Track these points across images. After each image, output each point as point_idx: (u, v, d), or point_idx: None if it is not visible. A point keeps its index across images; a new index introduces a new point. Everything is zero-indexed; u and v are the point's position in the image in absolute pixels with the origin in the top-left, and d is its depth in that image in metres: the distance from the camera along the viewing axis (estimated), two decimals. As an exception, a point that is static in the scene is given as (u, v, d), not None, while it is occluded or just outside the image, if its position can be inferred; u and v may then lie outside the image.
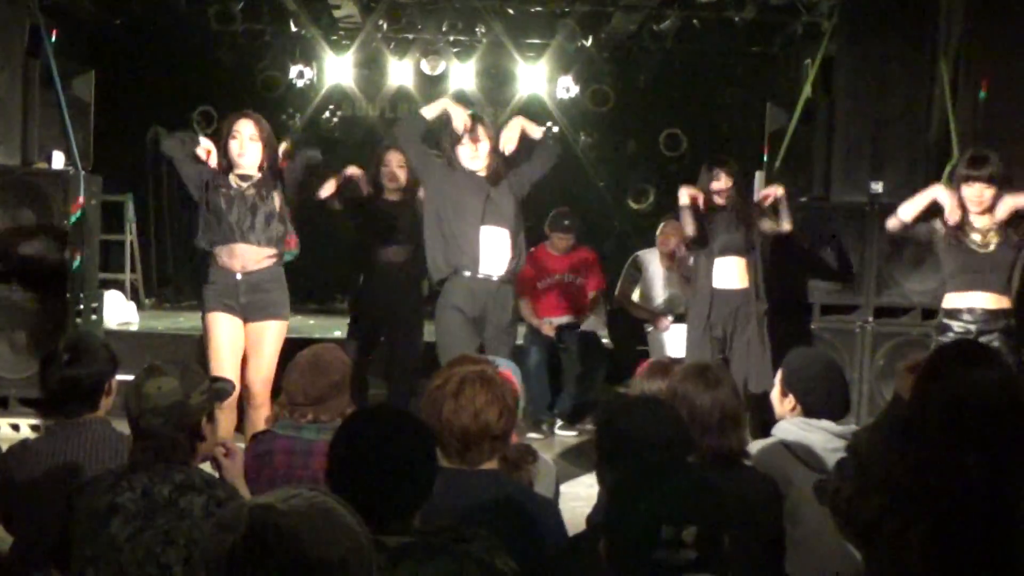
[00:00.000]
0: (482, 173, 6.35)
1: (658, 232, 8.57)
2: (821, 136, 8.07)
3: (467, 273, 6.24)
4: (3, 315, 7.49)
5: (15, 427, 7.48)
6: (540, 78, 11.70)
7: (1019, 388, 2.86)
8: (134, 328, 9.58)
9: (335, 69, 11.64)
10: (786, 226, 6.84)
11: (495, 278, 6.27)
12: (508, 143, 6.38)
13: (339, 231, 11.27)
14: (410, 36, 11.29)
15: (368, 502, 2.36)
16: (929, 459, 2.71)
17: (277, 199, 6.16)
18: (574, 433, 8.14)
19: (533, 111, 11.95)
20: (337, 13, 10.81)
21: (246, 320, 6.11)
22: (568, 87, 11.93)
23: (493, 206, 6.29)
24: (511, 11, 10.65)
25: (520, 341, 8.47)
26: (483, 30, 11.10)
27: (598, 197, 12.19)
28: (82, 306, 7.72)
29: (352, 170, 7.16)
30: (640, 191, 12.36)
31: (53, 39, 7.97)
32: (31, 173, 7.65)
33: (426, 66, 11.52)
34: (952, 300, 6.26)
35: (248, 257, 6.08)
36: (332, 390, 4.16)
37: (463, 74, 11.63)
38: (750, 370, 6.70)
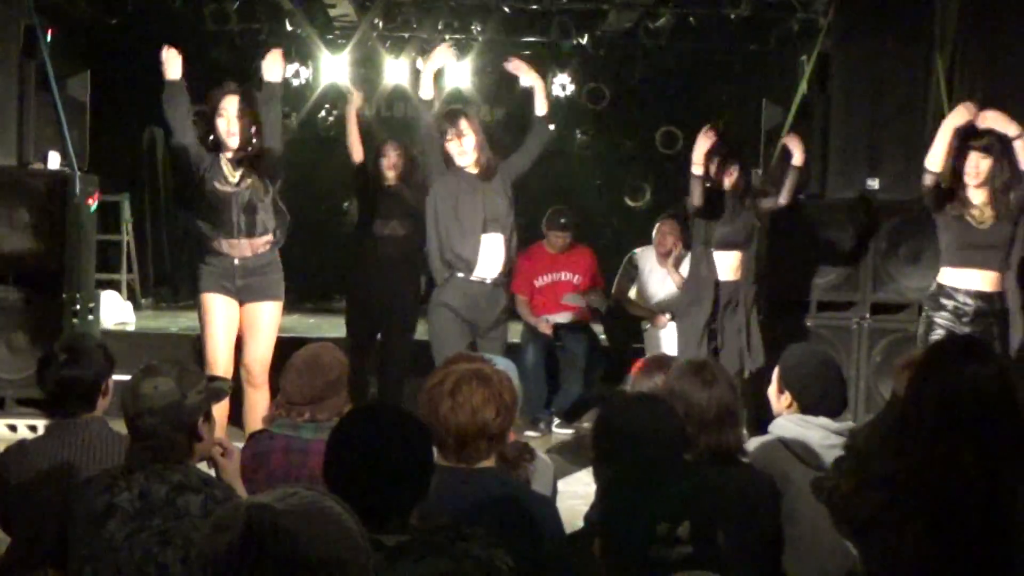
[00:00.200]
0: (473, 170, 6.35)
1: (654, 230, 8.57)
2: (817, 133, 8.07)
3: (461, 275, 6.25)
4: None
5: (12, 428, 7.47)
6: (536, 76, 11.69)
7: (1012, 382, 2.86)
8: (131, 328, 9.58)
9: (331, 68, 11.63)
10: (783, 200, 6.81)
11: (489, 280, 6.29)
12: (518, 71, 6.58)
13: (336, 230, 11.32)
14: (406, 35, 11.28)
15: (365, 501, 2.36)
16: (925, 455, 2.71)
17: (271, 190, 6.20)
18: (572, 431, 8.14)
19: (529, 109, 11.95)
20: (333, 12, 10.80)
21: (242, 302, 6.16)
22: (564, 85, 11.93)
23: (489, 208, 6.29)
24: (507, 9, 10.65)
25: (517, 339, 8.48)
26: (479, 28, 11.09)
27: (594, 195, 12.19)
28: (79, 306, 7.71)
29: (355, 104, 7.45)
30: (636, 189, 12.36)
31: (49, 39, 7.96)
32: (27, 173, 7.64)
33: (422, 64, 11.50)
34: (948, 276, 6.24)
35: (246, 247, 6.14)
36: (329, 389, 4.16)
37: (459, 72, 11.62)
38: (743, 352, 6.72)
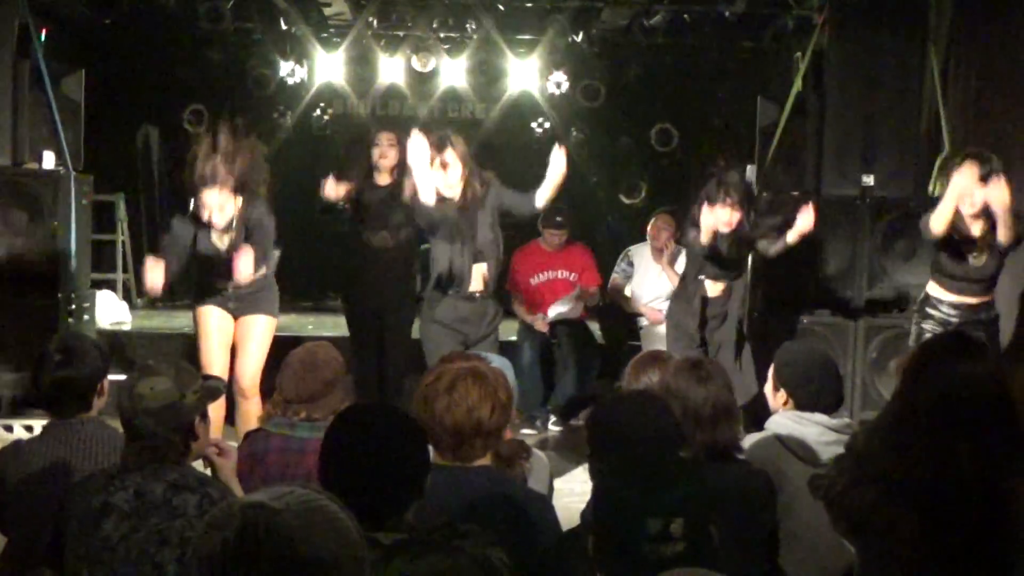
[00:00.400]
0: (459, 202, 6.12)
1: (649, 226, 8.57)
2: (812, 130, 8.07)
3: (451, 292, 6.24)
4: (-5, 316, 7.49)
5: (8, 428, 7.46)
6: (531, 74, 11.69)
7: (1005, 380, 2.86)
8: (126, 328, 9.57)
9: (325, 66, 11.62)
10: (773, 251, 6.72)
11: (478, 295, 6.28)
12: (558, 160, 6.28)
13: (332, 228, 11.31)
14: (400, 33, 11.27)
15: (361, 499, 2.36)
16: (920, 452, 2.71)
17: (253, 232, 6.18)
18: (568, 428, 8.14)
19: (524, 107, 11.97)
20: (327, 11, 10.79)
21: (236, 316, 6.20)
22: (559, 83, 11.92)
23: (476, 237, 6.20)
24: (501, 7, 10.64)
25: (513, 337, 8.48)
26: (474, 26, 11.08)
27: (590, 193, 12.19)
28: (74, 306, 7.71)
29: (332, 188, 7.15)
30: (632, 186, 12.35)
31: (43, 38, 7.95)
32: (21, 173, 7.63)
33: (417, 63, 11.51)
34: (936, 290, 6.28)
35: (239, 282, 6.16)
36: (326, 388, 4.16)
37: (454, 70, 11.62)
38: (734, 375, 6.71)
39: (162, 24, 10.73)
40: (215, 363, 6.16)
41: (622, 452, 2.71)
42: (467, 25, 11.10)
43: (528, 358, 8.20)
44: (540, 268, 8.62)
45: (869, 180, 7.70)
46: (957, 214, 6.07)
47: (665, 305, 8.31)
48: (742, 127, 9.70)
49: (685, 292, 6.92)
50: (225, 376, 6.17)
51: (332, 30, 11.35)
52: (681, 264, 8.30)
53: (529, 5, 10.71)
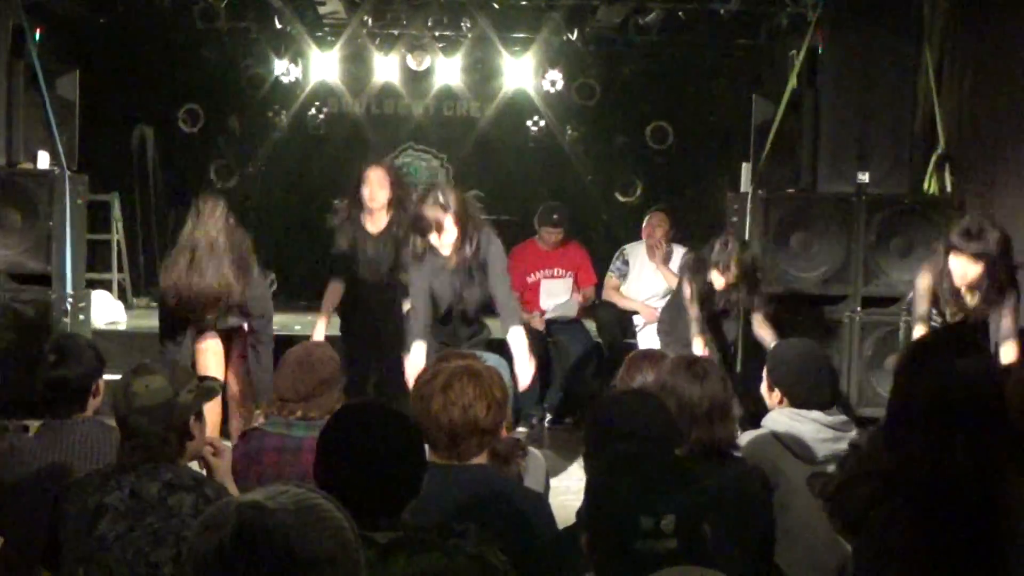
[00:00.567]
0: (450, 261, 6.10)
1: (644, 223, 8.58)
2: (807, 127, 8.07)
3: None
4: (-11, 316, 7.48)
5: (3, 428, 7.45)
6: (526, 72, 11.68)
7: (1000, 376, 2.87)
8: (122, 327, 9.55)
9: (320, 65, 11.61)
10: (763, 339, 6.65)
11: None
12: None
13: (328, 227, 11.30)
14: (395, 32, 11.27)
15: (356, 498, 2.36)
16: (917, 448, 2.71)
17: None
18: (564, 427, 8.14)
19: (519, 105, 11.97)
20: (322, 9, 10.78)
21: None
22: (554, 81, 11.92)
23: (462, 295, 6.23)
24: (496, 5, 10.63)
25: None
26: (468, 25, 11.08)
27: (585, 191, 12.19)
28: (69, 306, 7.70)
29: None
30: (627, 184, 12.36)
31: (37, 38, 7.94)
32: (16, 173, 7.62)
33: (412, 61, 11.51)
34: None
35: None
36: (322, 386, 4.17)
37: (449, 69, 11.62)
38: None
39: (157, 23, 10.72)
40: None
41: (617, 449, 2.71)
42: (462, 23, 11.10)
43: (524, 356, 8.20)
44: (536, 266, 8.63)
45: (864, 177, 7.69)
46: (950, 279, 5.90)
47: (660, 303, 8.34)
48: (737, 125, 9.71)
49: (677, 304, 6.94)
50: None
51: (327, 29, 11.35)
52: (674, 263, 8.32)
53: (524, 3, 10.71)
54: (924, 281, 6.04)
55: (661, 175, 12.08)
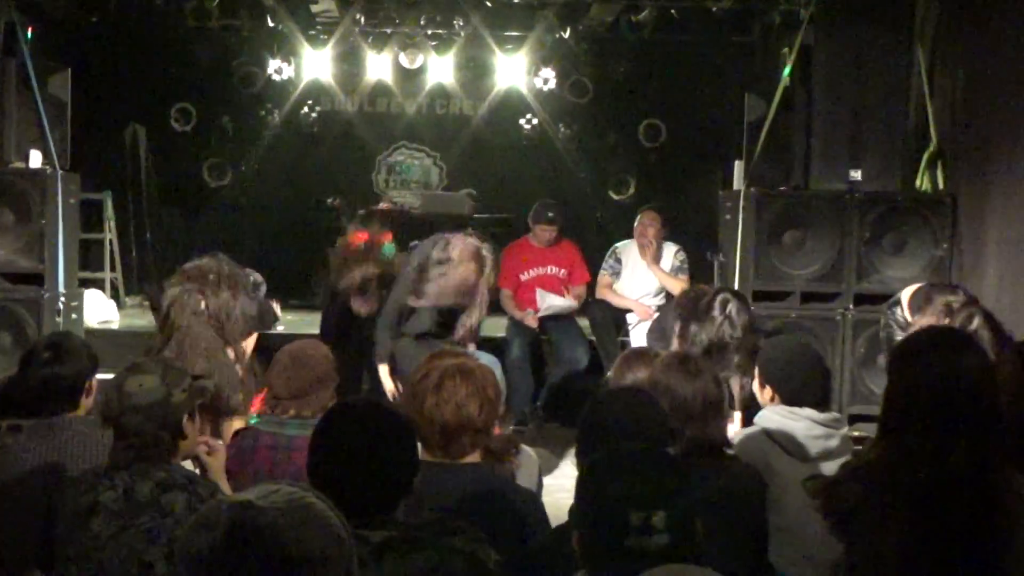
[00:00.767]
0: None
1: (636, 221, 8.58)
2: (800, 125, 8.07)
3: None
4: (-18, 315, 7.46)
5: (-4, 427, 7.44)
6: (519, 70, 11.69)
7: (994, 371, 2.87)
8: (114, 327, 9.54)
9: (313, 64, 11.61)
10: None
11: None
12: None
13: (320, 225, 11.29)
14: (388, 30, 11.27)
15: (349, 496, 2.36)
16: (917, 444, 2.70)
17: None
18: (557, 424, 8.14)
19: (512, 103, 11.97)
20: (314, 8, 10.78)
21: None
22: (547, 79, 11.92)
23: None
24: (489, 3, 10.64)
25: (503, 333, 8.49)
26: (461, 23, 11.08)
27: (578, 189, 12.20)
28: (61, 305, 7.69)
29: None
30: (620, 182, 12.36)
31: (29, 37, 7.92)
32: (8, 172, 7.60)
33: (404, 59, 11.50)
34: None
35: None
36: (315, 384, 4.16)
37: (441, 67, 11.62)
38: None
39: (149, 22, 10.71)
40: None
41: (608, 447, 2.71)
42: (455, 22, 11.10)
43: (517, 354, 8.20)
44: (530, 264, 8.63)
45: (857, 175, 7.70)
46: None
47: (654, 301, 8.34)
48: (730, 122, 9.71)
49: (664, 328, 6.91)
50: None
51: (319, 27, 11.35)
52: (665, 261, 8.32)
53: (516, 1, 10.72)
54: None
55: (654, 173, 12.08)
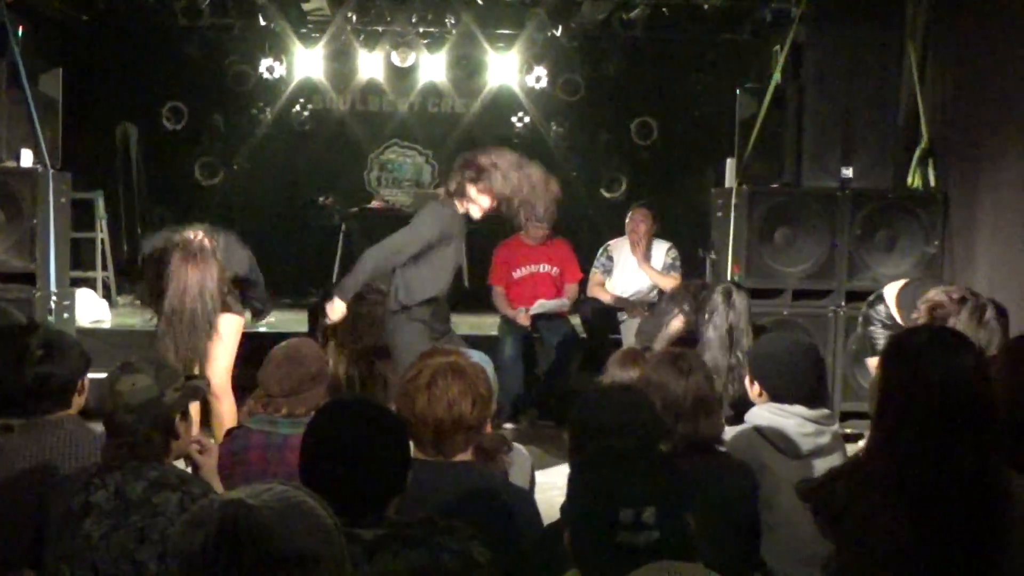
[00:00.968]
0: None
1: (627, 219, 8.59)
2: (791, 122, 8.09)
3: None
4: (-27, 315, 7.44)
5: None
6: (511, 68, 11.69)
7: (989, 371, 2.87)
8: (106, 326, 9.52)
9: (305, 62, 11.60)
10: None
11: None
12: None
13: (312, 223, 11.30)
14: (380, 28, 11.26)
15: (341, 494, 2.36)
16: (916, 444, 2.69)
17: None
18: (550, 422, 8.15)
19: (504, 102, 11.97)
20: (306, 6, 10.77)
21: None
22: (539, 77, 11.92)
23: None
24: (480, 1, 10.63)
25: (495, 331, 8.49)
26: (453, 21, 11.08)
27: (570, 187, 12.18)
28: (53, 304, 7.67)
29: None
30: (612, 180, 12.37)
31: (20, 36, 7.90)
32: (-1, 171, 7.60)
33: (396, 58, 11.50)
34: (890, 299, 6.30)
35: None
36: (308, 382, 4.16)
37: (433, 65, 11.62)
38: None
39: (140, 21, 10.69)
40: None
41: (598, 444, 2.71)
42: (446, 20, 11.10)
43: (510, 352, 8.21)
44: (522, 262, 8.63)
45: (848, 172, 7.72)
46: None
47: (645, 299, 8.35)
48: (721, 120, 9.72)
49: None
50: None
51: (311, 26, 11.34)
52: (656, 260, 8.33)
53: (508, -1, 10.72)
54: None
55: (646, 171, 12.09)
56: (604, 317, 8.48)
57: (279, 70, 11.70)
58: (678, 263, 8.40)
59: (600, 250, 8.73)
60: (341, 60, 11.65)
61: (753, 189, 7.72)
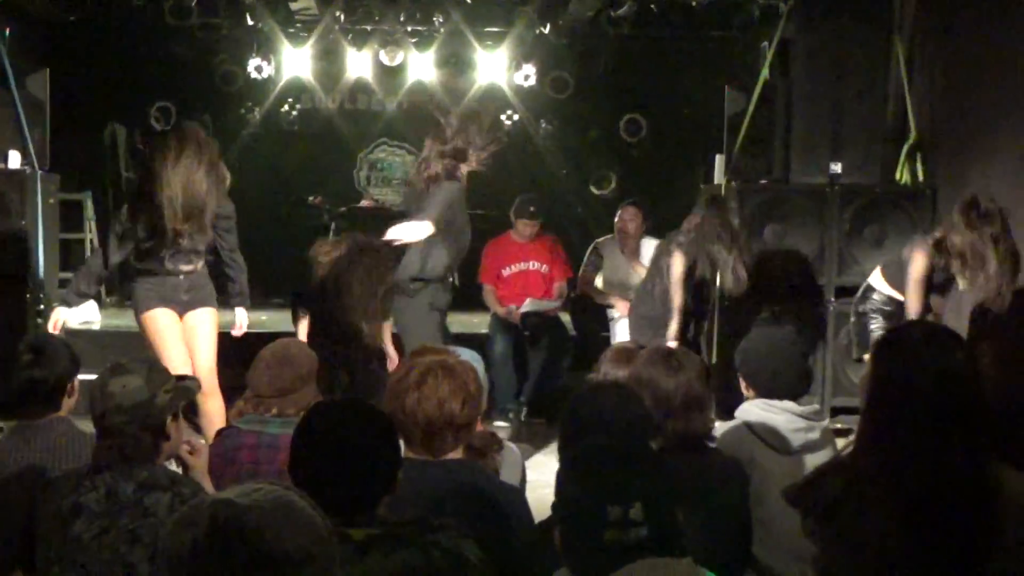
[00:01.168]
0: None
1: (616, 216, 8.59)
2: (780, 118, 8.10)
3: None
4: (-38, 317, 7.43)
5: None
6: (499, 66, 11.69)
7: (976, 368, 2.87)
8: (96, 327, 9.50)
9: (293, 62, 11.59)
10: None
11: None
12: None
13: (302, 223, 11.27)
14: (368, 27, 11.25)
15: (331, 494, 2.36)
16: (910, 443, 2.69)
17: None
18: (540, 420, 8.15)
19: (493, 99, 11.95)
20: (294, 6, 10.75)
21: (183, 314, 6.17)
22: (527, 75, 11.91)
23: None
24: (469, 0, 10.63)
25: (485, 329, 8.49)
26: (441, 19, 11.07)
27: (559, 184, 12.20)
28: (42, 306, 7.66)
29: None
30: (602, 177, 12.37)
31: (7, 36, 7.88)
32: (-13, 173, 7.59)
33: (385, 57, 11.48)
34: (880, 283, 6.41)
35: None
36: (298, 382, 4.16)
37: (422, 64, 11.61)
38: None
39: (127, 21, 10.66)
40: (181, 364, 6.08)
41: (590, 441, 2.72)
42: (435, 18, 11.09)
43: (500, 350, 8.21)
44: (512, 260, 8.63)
45: (837, 168, 7.74)
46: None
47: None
48: (710, 117, 9.73)
49: (651, 290, 6.96)
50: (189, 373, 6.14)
51: (299, 25, 11.32)
52: (644, 256, 8.33)
53: (496, -3, 10.71)
54: (920, 267, 6.06)
55: (635, 168, 12.09)
56: (594, 315, 8.49)
57: (267, 69, 11.68)
58: (668, 260, 8.40)
59: (590, 247, 8.74)
60: (329, 59, 11.64)
61: (742, 185, 7.74)
